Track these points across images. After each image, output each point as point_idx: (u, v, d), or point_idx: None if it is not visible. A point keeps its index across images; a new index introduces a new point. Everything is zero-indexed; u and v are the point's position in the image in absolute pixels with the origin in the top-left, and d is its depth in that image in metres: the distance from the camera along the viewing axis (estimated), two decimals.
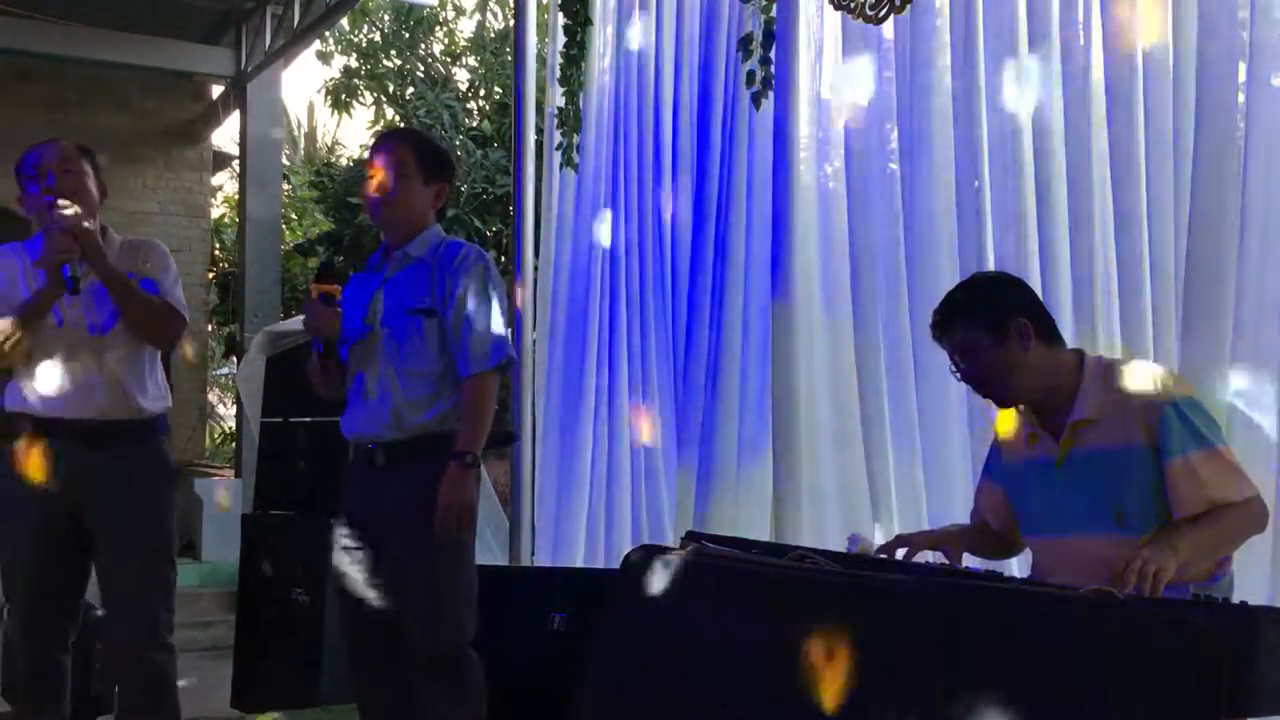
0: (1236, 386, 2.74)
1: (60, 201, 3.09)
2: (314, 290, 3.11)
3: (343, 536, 3.13)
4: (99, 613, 3.37)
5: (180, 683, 3.35)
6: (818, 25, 3.90)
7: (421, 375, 2.99)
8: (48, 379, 3.15)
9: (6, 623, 3.29)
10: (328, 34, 11.79)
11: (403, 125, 11.69)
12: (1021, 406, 2.53)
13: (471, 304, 2.99)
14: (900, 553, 2.56)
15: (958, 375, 2.52)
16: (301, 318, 3.72)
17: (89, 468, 3.13)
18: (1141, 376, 2.39)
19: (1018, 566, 2.97)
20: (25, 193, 3.20)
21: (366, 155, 3.51)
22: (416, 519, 2.89)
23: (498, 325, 3.02)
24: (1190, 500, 2.27)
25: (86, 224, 3.10)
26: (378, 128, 13.24)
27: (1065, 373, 2.44)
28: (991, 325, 2.43)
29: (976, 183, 3.40)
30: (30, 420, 3.15)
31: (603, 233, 4.83)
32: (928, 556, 2.58)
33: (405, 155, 3.06)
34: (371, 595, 3.01)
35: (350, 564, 3.09)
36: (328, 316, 3.06)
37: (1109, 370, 2.43)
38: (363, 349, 3.06)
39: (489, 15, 13.46)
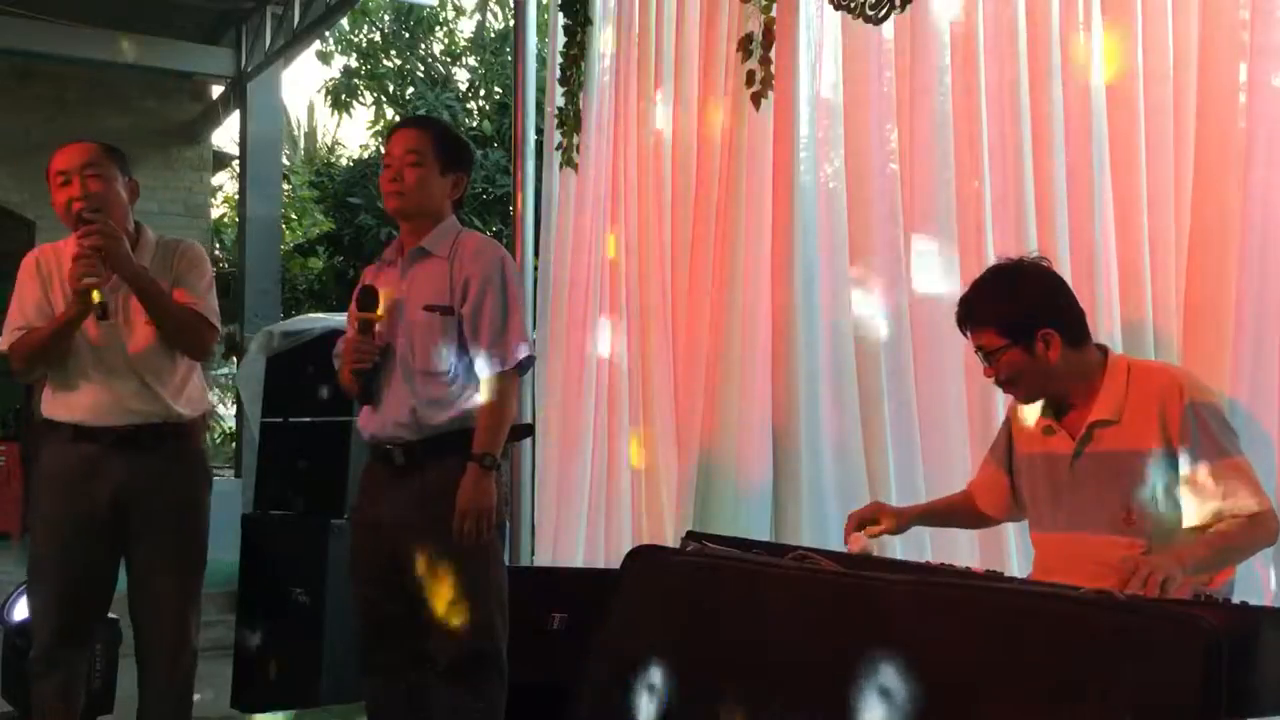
0: (1237, 386, 2.73)
1: (85, 218, 3.05)
2: (353, 318, 3.01)
3: (358, 537, 3.08)
4: (112, 615, 3.39)
5: None
6: (818, 25, 3.89)
7: (440, 375, 2.92)
8: (83, 388, 3.17)
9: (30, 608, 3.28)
10: (328, 34, 11.80)
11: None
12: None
13: (490, 302, 2.92)
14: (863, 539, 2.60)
15: (984, 363, 2.50)
16: (301, 318, 3.71)
17: (126, 470, 3.15)
18: (1165, 379, 2.37)
19: (1018, 566, 2.97)
20: (55, 199, 3.18)
21: (383, 144, 3.45)
22: (438, 520, 2.83)
23: (517, 323, 2.96)
24: (1203, 509, 2.25)
25: (113, 239, 3.05)
26: (378, 128, 13.24)
27: (1088, 372, 2.42)
28: (1016, 332, 2.39)
29: (976, 183, 3.39)
30: (70, 428, 3.17)
31: (602, 232, 4.83)
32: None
33: (424, 143, 2.98)
34: (389, 596, 2.95)
35: (366, 565, 3.02)
36: (365, 350, 2.94)
37: (1132, 370, 2.41)
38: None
39: (489, 15, 13.47)
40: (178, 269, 3.28)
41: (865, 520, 2.67)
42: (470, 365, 2.93)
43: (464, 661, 2.86)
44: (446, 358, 2.91)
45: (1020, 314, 2.41)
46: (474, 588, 2.87)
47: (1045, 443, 2.50)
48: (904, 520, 2.71)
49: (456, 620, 2.84)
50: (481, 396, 2.90)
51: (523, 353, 2.95)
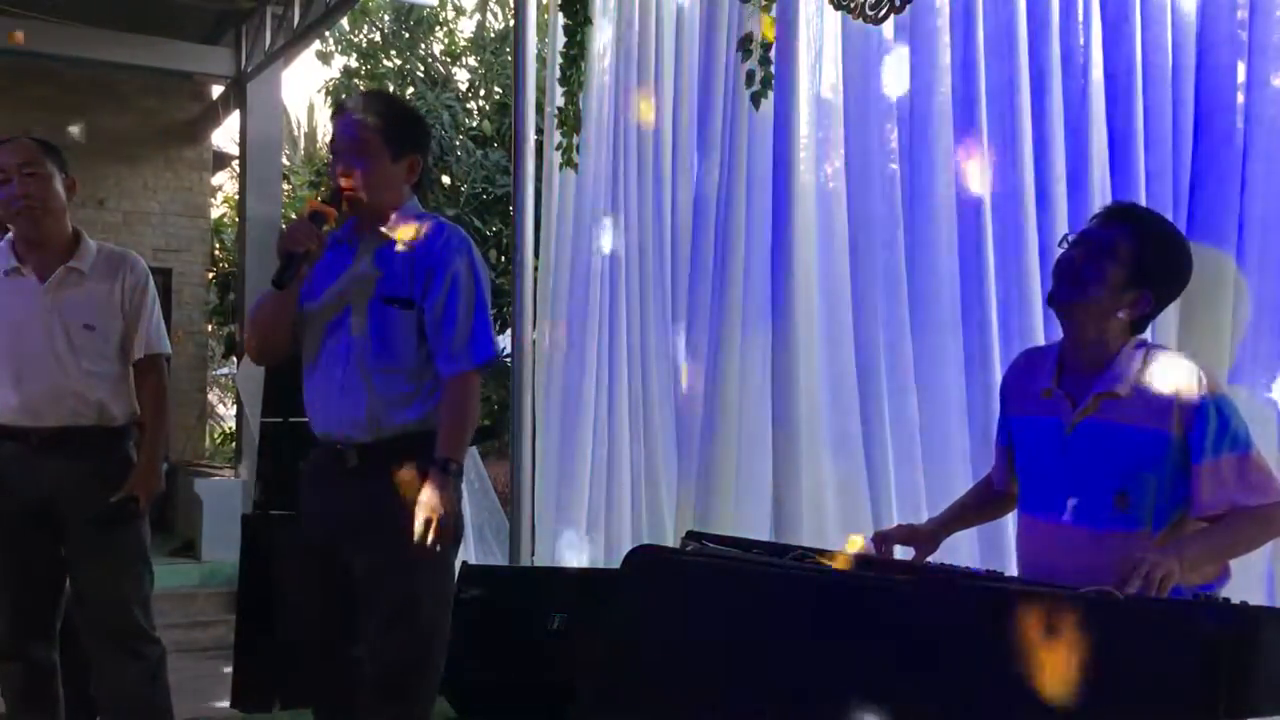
0: (1236, 386, 2.73)
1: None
2: (308, 206, 2.77)
3: (301, 541, 2.87)
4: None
5: (179, 683, 3.34)
6: (818, 25, 3.90)
7: (399, 372, 2.71)
8: (14, 390, 3.15)
9: None
10: (328, 34, 11.79)
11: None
12: (1041, 353, 2.48)
13: (453, 295, 2.70)
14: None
15: (1064, 245, 2.39)
16: None
17: (56, 471, 3.14)
18: (1185, 368, 2.31)
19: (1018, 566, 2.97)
20: None
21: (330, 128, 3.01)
22: (390, 528, 2.60)
23: (482, 319, 2.74)
24: (1214, 501, 2.21)
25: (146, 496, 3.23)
26: None
27: (1112, 340, 2.34)
28: (1134, 272, 2.29)
29: (977, 182, 3.39)
30: None
31: (602, 233, 4.83)
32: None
33: (368, 132, 2.72)
34: (331, 604, 2.76)
35: (307, 570, 2.84)
36: (305, 232, 2.67)
37: (1149, 352, 2.35)
38: (323, 329, 2.79)
39: (489, 15, 13.46)
40: (129, 293, 3.27)
41: (893, 540, 2.61)
42: (429, 361, 2.73)
43: (394, 680, 2.66)
44: (406, 354, 2.71)
45: (1155, 263, 2.31)
46: (419, 603, 2.68)
47: (1043, 406, 2.40)
48: (937, 541, 2.64)
49: (392, 637, 2.66)
50: (443, 397, 2.70)
51: (488, 350, 2.74)
